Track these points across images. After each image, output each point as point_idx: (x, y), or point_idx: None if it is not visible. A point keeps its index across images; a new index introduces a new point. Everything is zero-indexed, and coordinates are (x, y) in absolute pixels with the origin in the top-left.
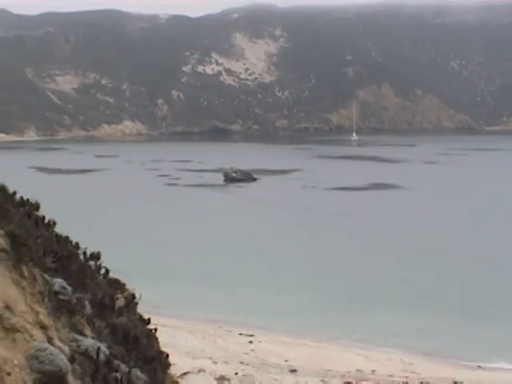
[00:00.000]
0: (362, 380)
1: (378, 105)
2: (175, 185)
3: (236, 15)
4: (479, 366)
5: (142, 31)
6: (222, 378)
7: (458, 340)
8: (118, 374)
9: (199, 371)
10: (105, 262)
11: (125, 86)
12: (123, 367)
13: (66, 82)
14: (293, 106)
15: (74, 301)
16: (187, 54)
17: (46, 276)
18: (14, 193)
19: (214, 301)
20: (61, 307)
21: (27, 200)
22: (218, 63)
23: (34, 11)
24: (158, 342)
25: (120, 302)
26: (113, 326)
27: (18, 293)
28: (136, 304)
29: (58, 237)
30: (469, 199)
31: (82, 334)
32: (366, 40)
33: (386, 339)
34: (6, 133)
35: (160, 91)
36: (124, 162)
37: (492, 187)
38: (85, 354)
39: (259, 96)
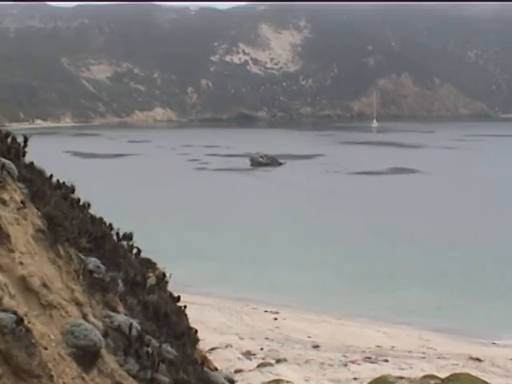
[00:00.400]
0: (382, 355)
1: (397, 93)
2: (204, 169)
3: (262, 7)
4: (494, 343)
5: (173, 22)
6: (248, 353)
7: (474, 318)
8: (149, 349)
9: (226, 346)
10: (137, 242)
11: (156, 75)
12: (154, 342)
13: (100, 71)
14: (316, 93)
15: (108, 279)
16: (215, 44)
17: (81, 255)
18: (51, 176)
19: (241, 279)
20: (95, 285)
21: (63, 183)
22: (244, 53)
23: (70, 3)
24: (187, 319)
25: (151, 280)
26: (144, 303)
27: (54, 271)
28: (166, 282)
29: (93, 218)
30: (485, 183)
31: (115, 310)
32: (386, 31)
33: (404, 317)
34: (44, 119)
35: (189, 80)
36: (155, 147)
37: (507, 172)
38: (118, 329)
39: (284, 84)
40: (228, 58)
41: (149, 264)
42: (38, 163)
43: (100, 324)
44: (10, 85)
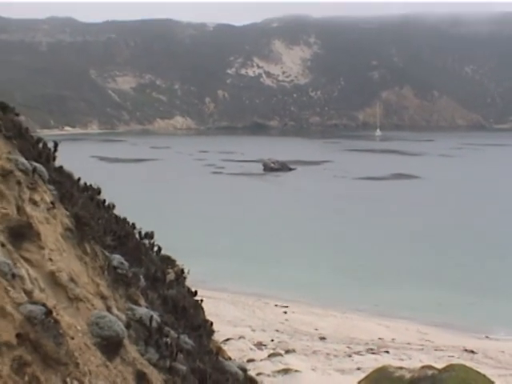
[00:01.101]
0: (383, 347)
1: (399, 104)
2: (220, 173)
3: (275, 24)
4: (487, 337)
5: (192, 38)
6: (259, 344)
7: (469, 313)
8: (168, 340)
9: (239, 338)
10: (157, 240)
11: (176, 86)
12: (173, 333)
13: (125, 82)
14: (324, 104)
15: (130, 274)
16: (231, 58)
17: (105, 252)
18: (79, 179)
19: (253, 276)
20: (118, 280)
21: (90, 185)
22: (258, 67)
23: (98, 19)
24: (203, 312)
25: (170, 276)
26: (164, 297)
27: (81, 267)
28: (184, 278)
29: (117, 218)
30: (480, 187)
31: (136, 303)
32: (390, 47)
33: (404, 312)
34: (72, 126)
35: (207, 91)
36: (175, 152)
37: (500, 177)
38: (139, 321)
39: (294, 96)
40: (243, 71)
41: (168, 261)
42: (66, 167)
43: (123, 316)
44: (42, 94)
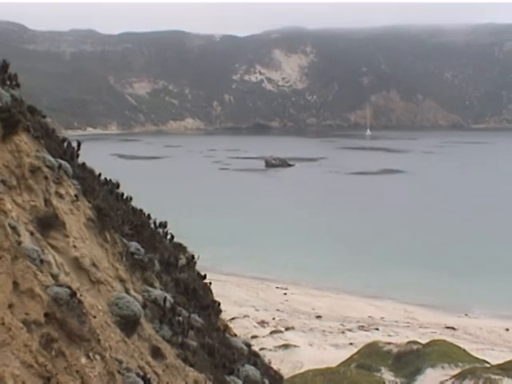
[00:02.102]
0: (373, 324)
1: (386, 107)
2: (227, 169)
3: (275, 35)
4: (466, 315)
5: (200, 47)
6: (262, 322)
7: (450, 294)
8: (180, 318)
9: (244, 316)
10: (170, 229)
11: (187, 91)
12: (184, 312)
13: (141, 88)
14: (320, 107)
15: (146, 260)
16: (236, 65)
17: (124, 240)
18: (100, 174)
19: (257, 261)
20: (135, 265)
21: (109, 180)
22: (260, 73)
23: (115, 31)
24: (211, 293)
25: (182, 261)
26: (176, 280)
27: (102, 253)
28: (195, 263)
29: (134, 209)
30: (458, 179)
31: (152, 286)
32: (378, 56)
33: (392, 293)
34: (94, 127)
35: (215, 95)
36: (186, 151)
37: (476, 170)
38: (154, 301)
39: (293, 99)
40: (246, 77)
41: (180, 247)
42: (88, 164)
43: (139, 297)
44: (66, 98)
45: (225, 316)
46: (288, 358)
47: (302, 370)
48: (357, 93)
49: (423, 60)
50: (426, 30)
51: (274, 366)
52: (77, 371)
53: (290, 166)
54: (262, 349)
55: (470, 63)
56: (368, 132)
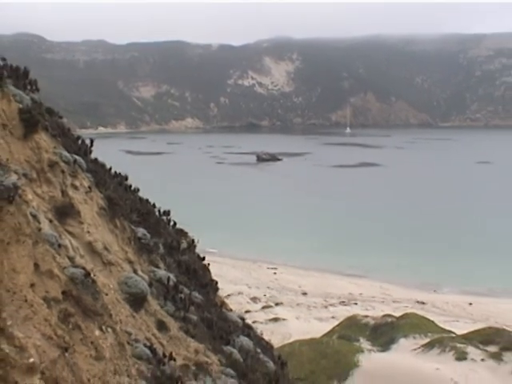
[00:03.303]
0: (353, 300)
1: (364, 107)
2: (222, 163)
3: (265, 44)
4: (434, 291)
5: (199, 56)
6: (254, 298)
7: (421, 273)
8: (182, 295)
9: (239, 293)
10: (173, 216)
11: (187, 94)
12: (186, 290)
13: (146, 91)
14: (305, 108)
15: (152, 244)
16: (231, 71)
17: (132, 226)
18: (110, 168)
19: (250, 245)
20: (142, 248)
21: (119, 173)
22: (252, 78)
23: (124, 41)
24: (210, 273)
25: (184, 244)
26: (178, 262)
27: (112, 238)
28: (195, 246)
29: (141, 199)
30: (427, 171)
31: (157, 267)
32: (357, 62)
33: (370, 272)
34: (104, 126)
35: (211, 97)
36: (186, 147)
37: (443, 162)
38: (159, 281)
39: (281, 101)
40: (240, 82)
41: (182, 233)
42: (100, 159)
43: (146, 277)
44: (80, 102)
45: (221, 293)
46: (277, 330)
47: (290, 341)
48: (338, 95)
49: (397, 66)
50: (401, 40)
51: (266, 337)
52: (91, 342)
53: (278, 160)
54: (254, 322)
55: (437, 69)
56: (348, 130)
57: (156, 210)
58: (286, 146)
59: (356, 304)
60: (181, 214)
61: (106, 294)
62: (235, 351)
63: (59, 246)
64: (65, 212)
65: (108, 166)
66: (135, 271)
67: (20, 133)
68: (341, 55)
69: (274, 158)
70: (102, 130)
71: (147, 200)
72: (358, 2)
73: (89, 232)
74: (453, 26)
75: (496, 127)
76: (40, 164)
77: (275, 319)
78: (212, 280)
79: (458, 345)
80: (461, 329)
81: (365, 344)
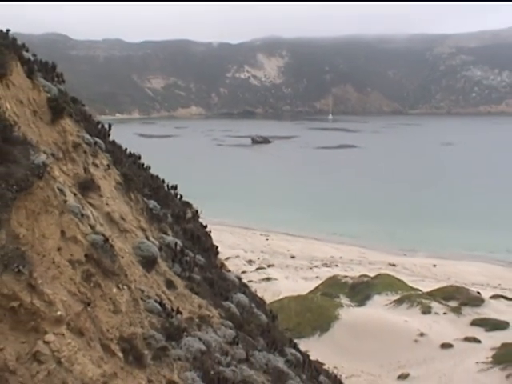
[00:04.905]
0: (334, 262)
1: (344, 97)
2: (222, 145)
3: (259, 42)
4: (404, 254)
5: (202, 52)
6: (250, 261)
7: (393, 239)
8: (187, 258)
9: (236, 257)
10: (180, 190)
11: (192, 85)
12: (191, 254)
13: (157, 83)
14: (293, 97)
15: (161, 214)
16: (229, 66)
17: (144, 199)
18: (126, 149)
19: (245, 215)
20: (153, 218)
21: (133, 153)
22: (248, 72)
23: (138, 40)
24: (211, 239)
25: (189, 214)
26: (184, 230)
27: (127, 209)
28: (198, 216)
29: (152, 175)
30: (401, 151)
31: (166, 234)
32: (338, 58)
33: (349, 238)
34: (121, 113)
35: (213, 88)
36: (191, 131)
37: (413, 144)
38: (168, 246)
39: (272, 91)
40: (237, 75)
41: (187, 204)
42: (117, 141)
43: (157, 242)
44: (100, 92)
45: (221, 256)
46: (269, 288)
47: (280, 297)
48: (321, 86)
49: (372, 61)
50: (376, 39)
51: (259, 294)
52: (110, 298)
53: (270, 142)
54: (249, 281)
55: (407, 64)
56: (330, 116)
57: (165, 184)
58: (276, 131)
59: (337, 266)
60: (186, 188)
61: (122, 257)
62: (233, 306)
63: (82, 215)
64: (87, 186)
65: (124, 147)
66: (147, 237)
67: (48, 118)
68: (324, 52)
69: (266, 140)
70: (118, 116)
71: (157, 176)
72: (340, 6)
73: (107, 204)
74: (420, 26)
75: (457, 114)
76: (65, 145)
77: (267, 279)
78: (213, 245)
79: (424, 300)
80: (426, 287)
81: (344, 300)
